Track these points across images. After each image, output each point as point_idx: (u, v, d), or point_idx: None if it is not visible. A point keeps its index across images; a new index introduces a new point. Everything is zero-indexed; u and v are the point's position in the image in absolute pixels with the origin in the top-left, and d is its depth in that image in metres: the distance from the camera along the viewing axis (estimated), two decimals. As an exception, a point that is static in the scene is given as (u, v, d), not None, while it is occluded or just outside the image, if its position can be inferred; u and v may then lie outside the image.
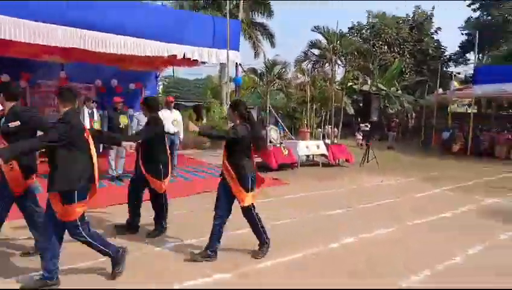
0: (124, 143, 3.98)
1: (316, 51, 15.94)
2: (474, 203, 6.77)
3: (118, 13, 7.77)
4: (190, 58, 9.45)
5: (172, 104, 8.12)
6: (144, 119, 7.54)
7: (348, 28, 28.41)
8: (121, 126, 7.24)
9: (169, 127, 7.83)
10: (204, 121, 21.80)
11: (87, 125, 6.71)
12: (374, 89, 21.06)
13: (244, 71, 11.17)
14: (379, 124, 21.34)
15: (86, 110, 6.84)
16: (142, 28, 8.19)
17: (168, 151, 7.89)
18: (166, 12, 8.81)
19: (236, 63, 10.38)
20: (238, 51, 10.17)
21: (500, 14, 27.47)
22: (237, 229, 4.68)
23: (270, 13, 23.30)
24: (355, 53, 14.15)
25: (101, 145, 6.93)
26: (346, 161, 11.52)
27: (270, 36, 23.91)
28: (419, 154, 15.70)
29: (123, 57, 10.61)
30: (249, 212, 4.10)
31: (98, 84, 12.18)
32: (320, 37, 15.23)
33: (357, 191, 7.70)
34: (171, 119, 7.91)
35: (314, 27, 14.45)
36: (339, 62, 15.20)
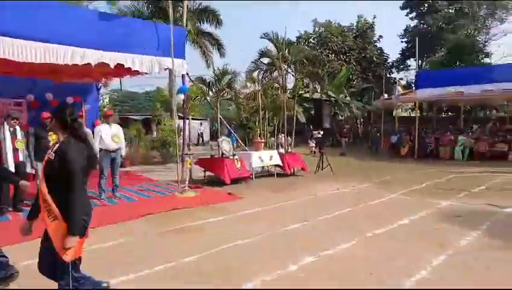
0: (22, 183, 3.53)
1: (266, 60, 15.81)
2: (431, 208, 6.73)
3: (45, 17, 6.94)
4: (130, 68, 8.79)
5: (111, 118, 7.39)
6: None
7: (296, 37, 28.91)
8: (51, 144, 6.37)
9: (108, 144, 7.12)
10: (154, 134, 20.87)
11: (8, 145, 5.85)
12: (324, 96, 21.38)
13: (192, 81, 10.63)
14: (331, 131, 21.69)
15: (7, 128, 5.94)
16: (74, 34, 7.41)
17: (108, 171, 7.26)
18: (104, 18, 8.06)
19: (183, 73, 9.81)
20: (184, 59, 9.63)
21: (434, 23, 29.35)
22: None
23: (218, 22, 22.96)
24: (305, 60, 14.14)
25: None
26: (302, 169, 11.34)
27: (219, 46, 23.53)
28: (371, 159, 16.02)
29: (56, 68, 9.72)
30: (66, 272, 2.63)
31: (30, 99, 11.03)
32: (269, 46, 15.18)
33: (313, 202, 7.43)
34: (111, 135, 7.18)
35: (264, 34, 14.30)
36: (289, 70, 15.11)
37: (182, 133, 10.41)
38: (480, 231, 5.21)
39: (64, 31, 7.24)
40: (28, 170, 6.38)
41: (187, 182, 7.99)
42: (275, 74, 15.09)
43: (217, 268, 3.92)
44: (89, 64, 7.74)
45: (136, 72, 10.74)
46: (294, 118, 13.96)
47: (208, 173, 9.71)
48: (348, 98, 26.55)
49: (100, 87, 13.19)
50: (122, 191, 7.79)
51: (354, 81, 28.94)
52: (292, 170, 11.13)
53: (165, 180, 9.72)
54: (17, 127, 6.10)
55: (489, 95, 15.97)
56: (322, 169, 11.65)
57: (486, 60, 27.38)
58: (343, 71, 25.53)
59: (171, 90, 9.49)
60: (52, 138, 6.40)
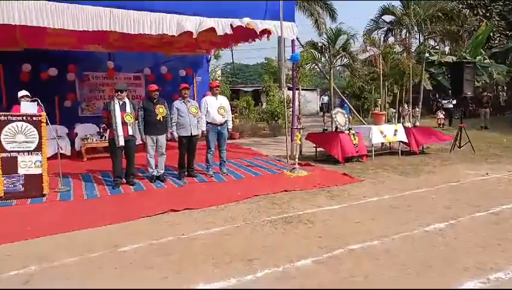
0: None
1: (388, 18, 13.62)
2: None
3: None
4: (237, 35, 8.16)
5: (218, 89, 6.85)
6: (184, 109, 6.51)
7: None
8: (158, 118, 6.15)
9: (215, 117, 6.63)
10: (264, 105, 20.57)
11: (118, 119, 5.75)
12: (455, 59, 17.93)
13: (302, 45, 9.58)
14: (464, 100, 18.29)
15: (117, 102, 5.84)
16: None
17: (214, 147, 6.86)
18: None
19: (293, 38, 8.78)
20: (294, 22, 8.58)
21: None
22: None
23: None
24: (440, 15, 11.62)
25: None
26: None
27: (331, 11, 21.66)
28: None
29: (166, 40, 9.69)
30: None
31: (147, 72, 11.43)
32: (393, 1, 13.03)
33: (457, 191, 5.83)
34: (217, 107, 6.67)
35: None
36: (416, 28, 12.74)
37: (291, 105, 9.55)
38: None
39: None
40: (138, 142, 6.27)
41: (297, 159, 7.14)
42: (401, 34, 12.88)
43: (340, 281, 2.98)
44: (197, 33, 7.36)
45: (244, 39, 10.23)
46: (422, 85, 11.82)
47: (319, 149, 8.71)
48: (487, 60, 22.08)
49: (210, 59, 13.09)
50: (230, 166, 7.37)
51: (495, 40, 23.92)
52: (422, 146, 9.36)
53: (274, 155, 9.05)
54: (127, 100, 5.96)
55: None
56: (460, 147, 9.57)
57: None
58: (482, 28, 21.11)
59: (279, 58, 8.57)
60: (159, 111, 6.16)
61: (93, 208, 4.94)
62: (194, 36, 7.16)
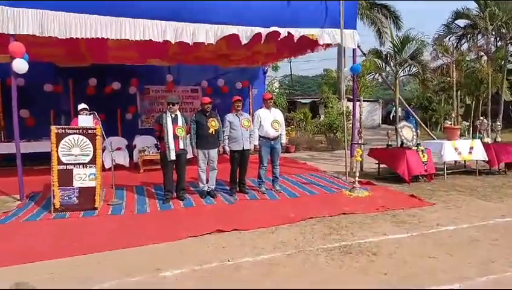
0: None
1: (462, 23, 12.37)
2: None
3: None
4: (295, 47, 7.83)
5: (271, 102, 6.52)
6: (237, 122, 6.26)
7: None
8: (210, 131, 5.96)
9: (268, 130, 6.30)
10: (322, 118, 19.92)
11: (170, 132, 5.65)
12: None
13: (364, 54, 8.94)
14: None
15: (169, 115, 5.75)
16: (236, 13, 6.88)
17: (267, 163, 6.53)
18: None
19: (354, 48, 8.23)
20: (355, 29, 8.03)
21: None
22: None
23: (394, -12, 19.97)
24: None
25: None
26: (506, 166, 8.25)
27: (395, 18, 20.53)
28: None
29: (222, 53, 9.65)
30: None
31: (204, 85, 11.54)
32: (467, 3, 11.82)
33: (555, 222, 4.85)
34: (271, 120, 6.33)
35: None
36: (494, 33, 11.41)
37: (351, 118, 8.92)
38: None
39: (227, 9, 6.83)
40: (189, 156, 6.12)
41: (357, 178, 6.52)
42: (477, 39, 11.62)
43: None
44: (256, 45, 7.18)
45: (302, 50, 9.86)
46: (503, 96, 10.49)
47: (382, 166, 7.97)
48: None
49: (266, 71, 12.89)
50: (283, 183, 6.97)
51: None
52: (504, 165, 8.20)
53: (332, 171, 8.47)
54: (178, 113, 5.85)
55: None
56: (554, 167, 8.23)
57: None
58: None
59: (339, 67, 8.07)
60: (212, 124, 5.97)
61: (141, 225, 4.81)
62: (244, 42, 6.94)
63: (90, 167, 5.31)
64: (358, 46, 8.53)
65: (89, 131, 5.37)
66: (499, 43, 13.10)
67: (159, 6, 6.36)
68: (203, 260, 3.68)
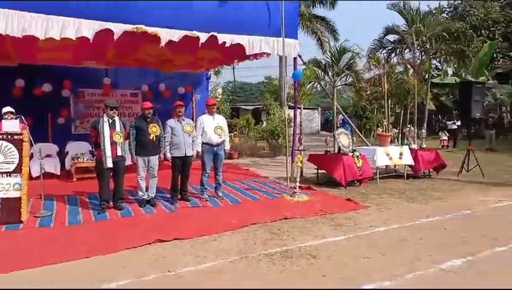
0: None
1: (392, 38, 13.43)
2: None
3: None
4: (238, 53, 7.89)
5: (214, 108, 6.49)
6: (179, 128, 6.13)
7: (425, 12, 24.95)
8: (150, 137, 5.77)
9: (211, 137, 6.25)
10: (264, 124, 20.25)
11: (106, 138, 5.37)
12: (469, 78, 17.66)
13: (304, 63, 9.30)
14: (468, 121, 17.94)
15: (106, 120, 5.47)
16: (181, 16, 6.74)
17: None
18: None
19: (295, 56, 8.50)
20: (297, 39, 8.31)
21: None
22: None
23: (332, 3, 21.05)
24: (445, 35, 11.40)
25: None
26: (435, 170, 9.05)
27: (333, 31, 21.62)
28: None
29: (165, 58, 9.45)
30: None
31: (144, 89, 11.14)
32: (396, 20, 12.85)
33: (471, 220, 5.38)
34: (214, 127, 6.30)
35: (392, 5, 11.92)
36: (419, 48, 12.49)
37: (292, 124, 9.20)
38: None
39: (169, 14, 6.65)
40: (128, 163, 5.86)
41: (297, 183, 6.71)
42: (405, 53, 12.65)
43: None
44: (198, 50, 7.07)
45: (245, 57, 9.96)
46: (427, 105, 11.50)
47: (321, 171, 8.29)
48: (490, 81, 21.88)
49: (210, 77, 12.83)
50: (226, 189, 6.94)
51: (499, 60, 23.83)
52: (428, 171, 8.94)
53: (274, 177, 8.62)
54: (116, 118, 5.59)
55: None
56: (468, 170, 9.15)
57: None
58: (486, 48, 20.94)
59: (281, 75, 8.29)
60: (152, 130, 5.79)
61: (73, 237, 4.49)
62: (163, 41, 6.77)
63: (15, 176, 4.87)
64: (299, 56, 8.82)
65: (15, 136, 4.93)
66: (424, 57, 14.38)
67: (95, 7, 6.02)
68: (141, 272, 3.54)
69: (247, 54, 7.81)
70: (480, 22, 23.55)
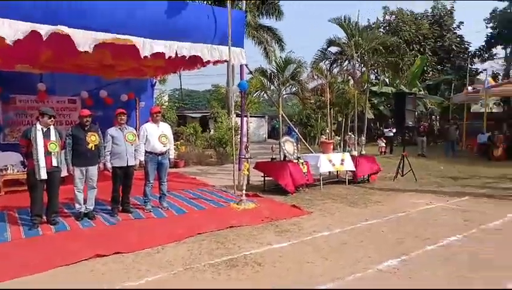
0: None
1: (334, 49, 14.15)
2: None
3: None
4: (184, 61, 7.80)
5: (159, 116, 6.33)
6: (120, 136, 5.89)
7: (364, 26, 26.55)
8: (89, 147, 5.48)
9: (155, 146, 6.08)
10: (212, 132, 20.14)
11: (40, 148, 5.01)
12: (402, 89, 19.00)
13: (251, 72, 9.42)
14: (403, 129, 19.28)
15: (39, 128, 5.10)
16: (123, 21, 6.50)
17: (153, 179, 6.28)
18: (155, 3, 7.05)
19: (241, 64, 8.59)
20: (243, 48, 8.39)
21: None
22: None
23: (279, 13, 21.62)
24: (381, 48, 12.25)
25: None
26: (374, 174, 9.57)
27: (279, 40, 22.20)
28: (457, 162, 13.59)
29: (107, 63, 9.07)
30: None
31: (84, 96, 10.58)
32: (338, 33, 13.52)
33: (406, 222, 5.74)
34: (158, 135, 6.14)
35: (334, 19, 12.53)
36: (359, 60, 13.25)
37: (239, 132, 9.25)
38: None
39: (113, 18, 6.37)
40: (64, 174, 5.51)
41: (244, 191, 6.73)
42: (345, 64, 13.34)
43: None
44: (142, 57, 6.83)
45: (191, 65, 9.86)
46: (366, 114, 12.18)
47: (268, 178, 8.39)
48: (422, 92, 23.77)
49: (155, 84, 12.51)
50: (171, 199, 6.77)
51: (428, 73, 25.98)
52: (366, 176, 9.42)
53: (220, 185, 8.58)
54: (51, 127, 5.23)
55: None
56: (403, 175, 9.79)
57: None
58: (418, 62, 22.77)
59: (228, 84, 8.32)
60: (91, 139, 5.50)
61: (-1, 256, 4.11)
62: (143, 55, 6.60)
63: None
64: (245, 64, 8.91)
65: None
66: (363, 69, 15.26)
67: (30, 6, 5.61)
68: (77, 291, 3.32)
69: (194, 61, 7.74)
70: (412, 37, 25.57)
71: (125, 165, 5.81)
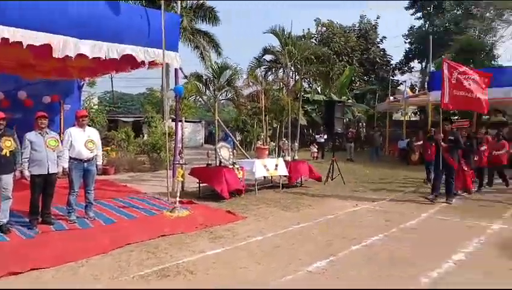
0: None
1: (269, 57, 14.54)
2: (481, 233, 5.42)
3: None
4: (115, 63, 7.46)
5: (85, 120, 5.95)
6: (40, 142, 5.44)
7: (298, 36, 27.65)
8: (3, 153, 4.97)
9: (80, 151, 5.71)
10: (145, 137, 19.43)
11: None
12: (332, 97, 20.07)
13: (186, 76, 9.29)
14: (334, 135, 20.39)
15: None
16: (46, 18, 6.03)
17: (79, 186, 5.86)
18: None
19: (176, 68, 8.43)
20: (177, 52, 8.24)
21: (441, 23, 28.26)
22: None
23: (215, 19, 21.62)
24: (313, 58, 12.87)
25: None
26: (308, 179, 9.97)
27: (215, 45, 22.18)
28: (381, 166, 14.68)
29: (26, 63, 8.34)
30: None
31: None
32: (274, 42, 13.92)
33: (335, 224, 6.05)
34: (84, 140, 5.77)
35: (270, 30, 12.84)
36: (293, 68, 13.78)
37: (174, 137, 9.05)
38: None
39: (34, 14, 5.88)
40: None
41: (178, 198, 6.58)
42: (280, 72, 13.76)
43: None
44: (64, 57, 6.39)
45: (123, 67, 9.45)
46: (299, 121, 12.66)
47: (203, 185, 8.30)
48: (350, 100, 25.38)
49: (82, 86, 11.76)
50: (99, 209, 6.39)
51: (356, 83, 27.82)
52: (300, 180, 9.77)
53: (153, 192, 8.30)
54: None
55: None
56: (332, 179, 10.32)
57: (496, 63, 26.24)
58: (347, 72, 24.31)
59: (162, 88, 8.11)
60: (5, 144, 5.01)
61: None
62: (60, 55, 6.16)
63: None
64: (180, 68, 8.76)
65: None
66: (297, 77, 15.87)
67: None
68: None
69: (126, 64, 7.44)
70: (341, 48, 27.21)
71: (46, 172, 5.36)
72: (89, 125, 6.38)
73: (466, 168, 8.37)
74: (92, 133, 5.99)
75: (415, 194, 8.66)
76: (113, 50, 6.95)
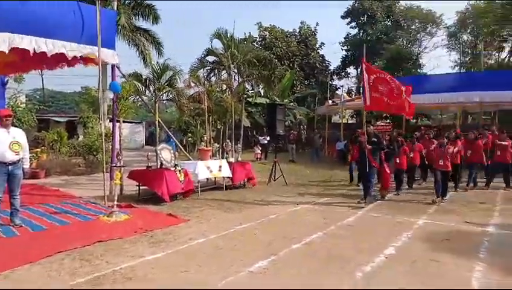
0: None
1: (212, 59, 14.43)
2: (409, 228, 5.88)
3: None
4: (43, 58, 6.93)
5: (9, 120, 5.46)
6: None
7: (240, 39, 27.83)
8: None
9: (4, 154, 5.24)
10: (81, 138, 18.31)
11: None
12: (275, 100, 20.45)
13: (123, 75, 8.91)
14: (276, 137, 20.83)
15: None
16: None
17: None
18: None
19: (113, 65, 8.07)
20: (114, 50, 7.88)
21: (373, 33, 30.17)
22: None
23: (155, 17, 21.00)
24: (255, 61, 13.03)
25: None
26: (249, 179, 10.08)
27: (157, 44, 21.54)
28: (321, 167, 15.27)
29: None
30: None
31: None
32: (216, 44, 13.87)
33: (275, 224, 6.17)
34: (9, 142, 5.29)
35: (214, 32, 12.75)
36: (236, 71, 13.85)
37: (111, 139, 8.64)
38: (484, 263, 4.34)
39: None
40: None
41: (115, 201, 6.30)
42: (223, 74, 13.75)
43: None
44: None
45: (55, 64, 8.81)
46: (243, 123, 12.76)
47: (143, 187, 8.02)
48: (292, 103, 26.10)
49: (7, 82, 10.75)
50: (27, 215, 5.90)
51: (297, 87, 28.65)
52: (243, 181, 9.84)
53: (89, 196, 7.85)
54: None
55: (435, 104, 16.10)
56: (275, 180, 10.54)
57: (421, 71, 28.63)
58: (288, 76, 24.97)
59: (99, 87, 7.69)
60: None
61: None
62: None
63: None
64: (117, 67, 8.39)
65: None
66: (240, 79, 15.97)
67: None
68: None
69: (58, 60, 6.95)
70: (283, 53, 27.89)
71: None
72: (15, 126, 5.91)
73: (388, 170, 8.69)
74: (18, 134, 5.51)
75: (347, 193, 9.13)
76: (42, 45, 6.47)
